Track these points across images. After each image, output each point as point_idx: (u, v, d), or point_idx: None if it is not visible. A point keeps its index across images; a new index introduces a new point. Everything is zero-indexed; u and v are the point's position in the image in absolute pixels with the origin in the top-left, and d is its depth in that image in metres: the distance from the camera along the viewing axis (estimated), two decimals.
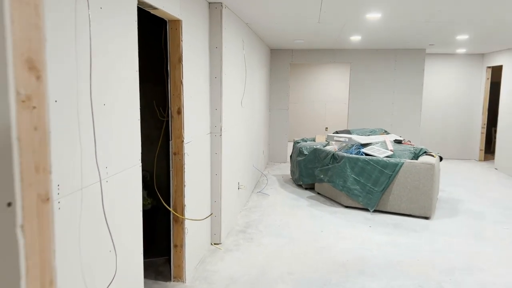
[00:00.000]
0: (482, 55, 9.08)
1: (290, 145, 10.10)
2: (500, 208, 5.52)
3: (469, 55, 9.12)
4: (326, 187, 5.82)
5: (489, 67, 8.90)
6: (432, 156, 5.41)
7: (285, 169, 7.82)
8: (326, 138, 6.63)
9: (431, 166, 4.96)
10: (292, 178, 6.92)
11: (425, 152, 5.53)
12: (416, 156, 5.41)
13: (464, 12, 4.38)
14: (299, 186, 6.49)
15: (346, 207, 5.43)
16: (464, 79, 9.23)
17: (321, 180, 5.84)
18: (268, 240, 4.26)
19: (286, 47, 8.18)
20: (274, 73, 8.50)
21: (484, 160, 9.17)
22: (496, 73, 9.13)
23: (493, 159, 8.89)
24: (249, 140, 5.68)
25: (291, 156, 7.03)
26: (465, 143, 9.37)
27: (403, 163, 5.07)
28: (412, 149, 5.54)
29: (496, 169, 8.21)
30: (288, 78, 8.56)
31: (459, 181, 7.05)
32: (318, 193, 6.07)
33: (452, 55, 9.16)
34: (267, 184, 6.68)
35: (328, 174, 5.66)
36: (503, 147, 8.02)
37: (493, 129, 9.62)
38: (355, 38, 6.62)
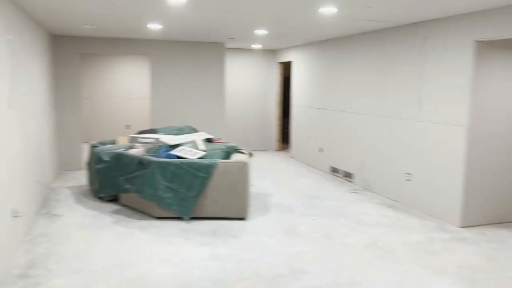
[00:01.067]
0: (274, 51, 9.63)
1: (87, 148, 8.79)
2: (304, 198, 5.78)
3: (263, 51, 9.55)
4: (133, 198, 5.04)
5: (280, 62, 9.52)
6: (244, 153, 5.24)
7: (82, 178, 6.64)
8: (129, 140, 5.81)
9: (245, 164, 4.76)
10: (91, 190, 5.85)
11: (237, 149, 5.34)
12: (228, 154, 5.15)
13: (266, 5, 4.23)
14: (101, 198, 5.50)
15: (159, 218, 4.78)
16: (260, 73, 9.64)
17: (127, 190, 5.03)
18: (62, 282, 3.27)
19: (74, 34, 6.92)
20: (59, 65, 7.10)
21: (280, 150, 9.83)
22: (288, 68, 9.83)
23: (288, 148, 9.61)
24: (26, 150, 4.43)
25: (88, 163, 5.94)
26: (264, 134, 9.85)
27: (217, 163, 4.71)
28: (224, 147, 5.27)
29: (292, 158, 8.84)
30: (79, 71, 7.30)
31: (263, 173, 7.24)
32: (125, 205, 5.24)
33: (250, 50, 9.44)
34: (59, 200, 5.46)
35: (135, 182, 4.89)
36: (297, 138, 8.68)
37: (284, 120, 10.40)
38: (155, 27, 5.96)
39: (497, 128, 4.62)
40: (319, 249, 4.01)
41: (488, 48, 4.45)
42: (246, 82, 9.57)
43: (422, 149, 5.14)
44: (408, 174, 5.41)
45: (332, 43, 7.18)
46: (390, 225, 4.70)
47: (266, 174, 7.19)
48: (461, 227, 4.62)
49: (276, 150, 9.79)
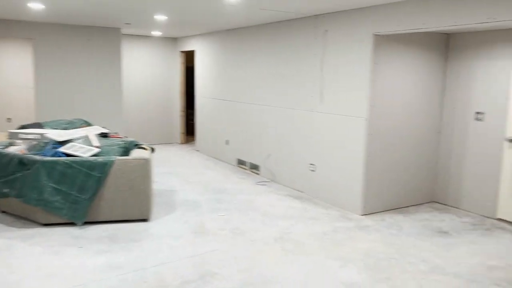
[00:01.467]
0: (176, 39, 9.20)
1: None
2: (210, 193, 5.57)
3: (164, 39, 9.07)
4: (14, 203, 4.37)
5: (182, 51, 9.12)
6: (144, 149, 4.85)
7: None
8: (8, 136, 5.04)
9: (146, 161, 4.38)
10: None
11: (136, 144, 4.92)
12: (127, 150, 4.72)
13: None
14: None
15: (46, 225, 4.21)
16: (162, 63, 9.15)
17: (6, 195, 4.34)
18: None
19: None
20: None
21: (185, 143, 9.48)
22: (191, 57, 9.47)
23: (193, 141, 9.30)
24: None
25: None
26: (167, 127, 9.41)
27: (113, 161, 4.27)
28: (122, 143, 4.82)
29: (197, 151, 8.56)
30: None
31: (167, 168, 6.88)
32: (4, 212, 4.53)
33: (149, 37, 8.89)
34: None
35: (15, 186, 4.23)
36: (202, 130, 8.41)
37: (188, 111, 10.06)
38: (36, 7, 5.22)
39: (393, 120, 4.86)
40: (228, 247, 3.84)
41: (386, 42, 4.63)
42: (146, 72, 9.00)
43: (325, 141, 5.24)
44: (312, 165, 5.49)
45: (236, 32, 7.01)
46: (297, 217, 4.71)
47: (170, 169, 6.84)
48: (363, 215, 4.80)
49: (180, 143, 9.41)
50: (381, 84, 4.68)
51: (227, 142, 7.46)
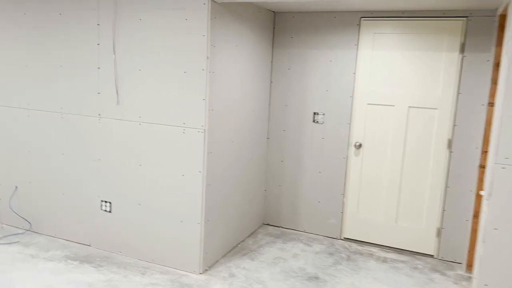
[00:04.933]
0: None
1: None
2: None
3: None
4: None
5: None
6: None
7: None
8: None
9: None
10: None
11: None
12: None
13: None
14: None
15: None
16: None
17: None
18: None
19: None
20: None
21: None
22: None
23: None
24: None
25: None
26: None
27: None
28: None
29: None
30: None
31: None
32: None
33: None
34: None
35: None
36: None
37: None
38: None
39: (230, 129, 3.41)
40: None
41: (222, 14, 3.09)
42: None
43: (131, 164, 3.32)
44: (106, 202, 3.46)
45: None
46: None
47: None
48: (204, 271, 3.21)
49: None
50: (219, 78, 3.14)
51: None
